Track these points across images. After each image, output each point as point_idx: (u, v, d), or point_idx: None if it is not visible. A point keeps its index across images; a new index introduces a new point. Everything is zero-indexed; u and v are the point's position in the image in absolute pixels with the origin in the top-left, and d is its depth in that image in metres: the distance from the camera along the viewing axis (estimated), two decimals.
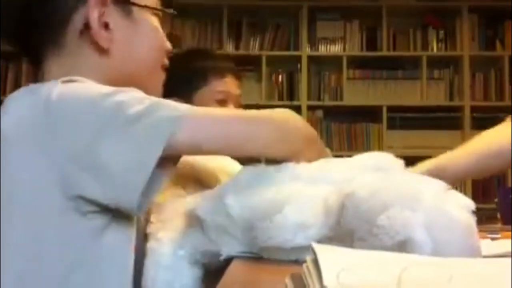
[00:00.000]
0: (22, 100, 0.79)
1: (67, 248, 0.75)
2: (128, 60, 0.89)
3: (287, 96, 3.61)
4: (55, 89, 0.75)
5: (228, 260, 0.71)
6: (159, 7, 0.93)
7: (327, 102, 3.58)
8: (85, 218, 0.74)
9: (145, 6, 0.90)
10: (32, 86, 0.81)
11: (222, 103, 1.45)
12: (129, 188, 0.71)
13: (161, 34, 0.93)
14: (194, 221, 0.76)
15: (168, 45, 0.95)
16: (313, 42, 3.65)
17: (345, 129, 3.59)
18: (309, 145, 0.79)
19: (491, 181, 3.50)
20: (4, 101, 0.81)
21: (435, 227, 0.57)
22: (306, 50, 3.59)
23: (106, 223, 0.76)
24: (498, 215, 1.60)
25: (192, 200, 0.78)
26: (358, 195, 0.61)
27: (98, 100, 0.74)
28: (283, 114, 0.82)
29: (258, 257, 0.71)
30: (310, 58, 3.60)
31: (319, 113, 3.60)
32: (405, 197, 0.59)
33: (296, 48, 3.63)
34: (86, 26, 0.85)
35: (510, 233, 0.95)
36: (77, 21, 0.85)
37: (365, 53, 3.64)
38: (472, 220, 0.59)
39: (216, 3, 3.55)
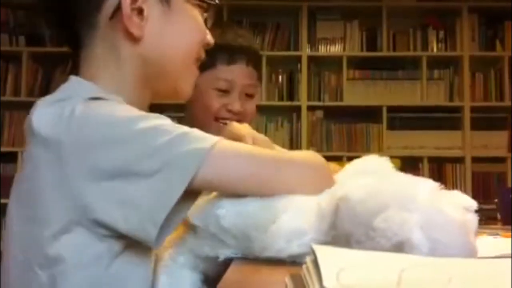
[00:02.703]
0: (47, 108, 0.75)
1: (82, 269, 0.72)
2: (162, 51, 0.83)
3: (287, 96, 3.61)
4: (78, 107, 0.72)
5: (227, 263, 0.71)
6: None
7: (327, 102, 3.58)
8: (99, 240, 0.71)
9: None
10: (59, 94, 0.78)
11: (224, 93, 1.32)
12: (149, 222, 0.69)
13: (202, 26, 0.88)
14: (191, 225, 0.76)
15: (209, 38, 0.89)
16: (313, 42, 3.65)
17: (345, 129, 3.58)
18: None
19: (491, 181, 3.51)
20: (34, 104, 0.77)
21: (431, 226, 0.57)
22: (306, 50, 3.59)
23: (120, 250, 0.73)
24: (498, 215, 1.60)
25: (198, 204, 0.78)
26: (352, 197, 0.60)
27: (123, 126, 0.71)
28: (314, 158, 0.77)
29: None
30: (310, 58, 3.60)
31: (319, 114, 3.60)
32: (400, 198, 0.59)
33: (296, 48, 3.63)
34: (118, 10, 0.80)
35: (510, 233, 0.95)
36: (110, 4, 0.81)
37: (365, 53, 3.63)
38: (467, 218, 0.59)
39: None
